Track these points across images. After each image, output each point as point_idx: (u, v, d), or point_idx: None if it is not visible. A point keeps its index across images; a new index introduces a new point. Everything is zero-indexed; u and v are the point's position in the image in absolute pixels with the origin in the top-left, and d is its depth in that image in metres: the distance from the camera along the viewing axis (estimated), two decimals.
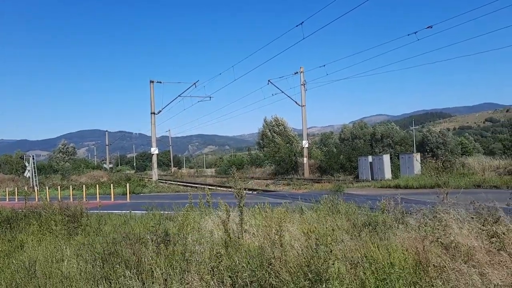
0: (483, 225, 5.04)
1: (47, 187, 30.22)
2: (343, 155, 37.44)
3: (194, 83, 37.87)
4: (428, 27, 22.42)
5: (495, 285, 3.70)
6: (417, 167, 26.43)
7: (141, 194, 28.23)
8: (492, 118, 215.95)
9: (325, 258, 3.90)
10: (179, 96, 39.02)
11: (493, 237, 4.81)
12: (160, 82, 38.53)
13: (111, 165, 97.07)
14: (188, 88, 38.68)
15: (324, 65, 31.86)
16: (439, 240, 5.17)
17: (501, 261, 4.24)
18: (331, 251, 4.34)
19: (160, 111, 38.98)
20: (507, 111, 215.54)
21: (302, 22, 25.22)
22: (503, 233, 5.08)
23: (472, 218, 5.56)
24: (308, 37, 26.56)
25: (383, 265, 3.80)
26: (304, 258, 4.41)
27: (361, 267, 4.02)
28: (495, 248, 4.78)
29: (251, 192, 25.34)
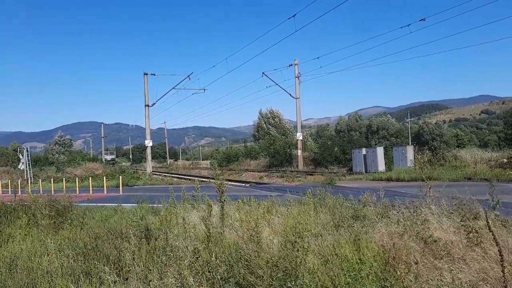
0: (461, 221, 5.07)
1: (40, 180, 30.15)
2: (337, 147, 37.50)
3: (188, 76, 37.74)
4: (421, 19, 22.34)
5: (465, 281, 3.72)
6: (410, 159, 26.51)
7: (135, 187, 28.21)
8: (488, 110, 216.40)
9: (296, 255, 3.92)
10: (173, 88, 38.91)
11: (470, 233, 4.84)
12: (154, 75, 38.35)
13: (112, 156, 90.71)
14: (182, 81, 38.57)
15: (318, 58, 31.81)
16: (419, 235, 5.20)
17: (474, 257, 4.27)
18: (306, 248, 4.36)
19: (155, 103, 38.86)
20: (503, 103, 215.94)
21: (295, 15, 25.10)
22: (481, 228, 5.11)
23: (452, 213, 5.59)
24: (300, 29, 26.39)
25: (352, 261, 3.81)
26: (280, 253, 4.43)
27: (331, 264, 4.04)
28: (472, 243, 4.82)
29: (243, 184, 25.38)
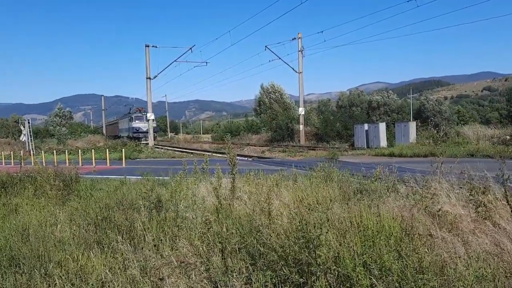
0: (470, 195, 5.11)
1: (43, 151, 30.23)
2: (339, 122, 37.44)
3: (190, 48, 37.31)
4: None
5: (477, 253, 3.77)
6: (412, 135, 26.51)
7: (137, 160, 28.31)
8: (490, 87, 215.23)
9: (317, 226, 3.96)
10: (175, 61, 38.49)
11: (479, 207, 4.88)
12: (156, 47, 37.89)
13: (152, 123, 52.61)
14: (184, 53, 37.92)
15: (322, 31, 31.40)
16: (427, 208, 5.25)
17: (485, 230, 4.32)
18: (327, 220, 4.40)
19: (156, 76, 38.55)
20: (505, 80, 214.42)
21: None
22: (490, 202, 5.15)
23: (461, 188, 5.62)
24: (306, 1, 25.88)
25: (371, 232, 3.86)
26: (295, 225, 4.47)
27: (349, 235, 4.08)
28: (481, 217, 4.87)
29: (246, 158, 25.45)
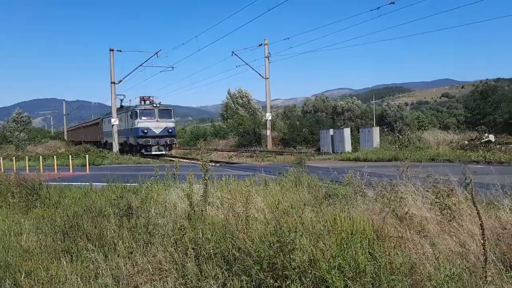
0: (436, 198, 5.32)
1: (1, 158, 28.99)
2: (305, 128, 37.97)
3: (156, 53, 36.89)
4: (391, 3, 22.71)
5: (445, 253, 3.94)
6: (376, 140, 27.20)
7: (102, 166, 27.62)
8: (448, 94, 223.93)
9: (291, 230, 4.03)
10: (140, 65, 37.95)
11: (444, 209, 5.10)
12: (121, 51, 37.21)
13: (169, 123, 35.08)
14: (149, 58, 37.29)
15: (289, 38, 31.90)
16: (395, 211, 5.42)
17: (451, 231, 4.51)
18: (302, 223, 4.48)
19: (121, 80, 37.81)
20: (462, 87, 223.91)
21: None
22: (454, 205, 5.38)
23: (427, 191, 5.84)
24: (272, 9, 26.22)
25: (345, 234, 3.96)
26: (269, 229, 4.52)
27: (323, 238, 4.17)
28: (446, 219, 5.08)
29: (214, 164, 25.35)
